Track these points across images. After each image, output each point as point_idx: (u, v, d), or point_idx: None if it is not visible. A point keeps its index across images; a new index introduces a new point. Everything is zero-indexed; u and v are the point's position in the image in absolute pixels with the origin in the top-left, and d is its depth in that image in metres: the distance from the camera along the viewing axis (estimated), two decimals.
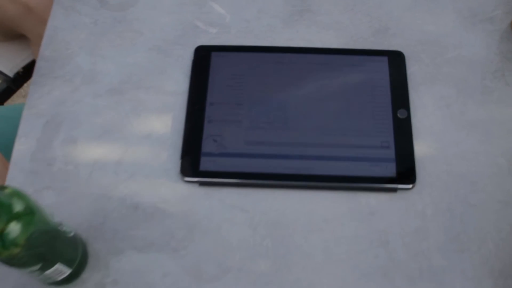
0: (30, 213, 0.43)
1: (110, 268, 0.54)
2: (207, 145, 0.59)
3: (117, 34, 0.68)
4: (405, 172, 0.56)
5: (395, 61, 0.63)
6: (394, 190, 0.56)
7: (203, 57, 0.64)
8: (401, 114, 0.60)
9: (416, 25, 0.67)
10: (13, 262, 0.44)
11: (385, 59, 0.63)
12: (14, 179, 0.59)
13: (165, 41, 0.67)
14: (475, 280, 0.52)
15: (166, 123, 0.62)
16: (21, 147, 0.61)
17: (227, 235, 0.55)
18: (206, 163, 0.58)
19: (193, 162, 0.58)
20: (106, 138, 0.61)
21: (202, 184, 0.58)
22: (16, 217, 0.42)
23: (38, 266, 0.46)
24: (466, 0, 0.68)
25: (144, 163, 0.59)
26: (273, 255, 0.54)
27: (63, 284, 0.53)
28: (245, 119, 0.60)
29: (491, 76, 0.63)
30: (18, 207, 0.42)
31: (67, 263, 0.50)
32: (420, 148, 0.59)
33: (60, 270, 0.50)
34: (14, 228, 0.42)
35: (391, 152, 0.57)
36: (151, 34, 0.68)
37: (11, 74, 1.01)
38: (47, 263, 0.47)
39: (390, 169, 0.57)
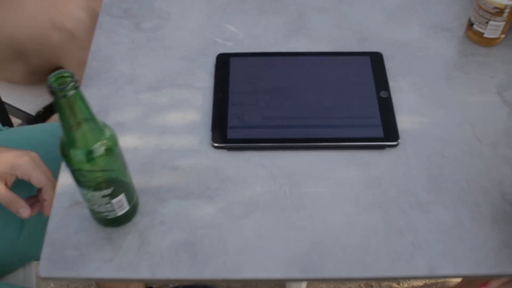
0: (113, 144, 0.57)
1: (157, 213, 0.66)
2: (232, 121, 0.73)
3: (151, 48, 0.85)
4: (390, 134, 0.71)
5: (376, 58, 0.80)
6: (383, 147, 0.71)
7: (224, 61, 0.81)
8: (383, 94, 0.76)
9: (390, 36, 0.85)
10: (92, 178, 0.56)
11: (368, 58, 0.80)
12: None
13: (191, 52, 0.84)
14: (453, 209, 0.65)
15: (196, 109, 0.76)
16: None
17: (252, 185, 0.68)
18: (232, 133, 0.72)
19: (221, 133, 0.72)
20: (148, 121, 0.75)
21: (229, 149, 0.71)
22: (104, 140, 0.55)
23: (109, 191, 0.59)
24: (429, 16, 0.87)
25: (180, 136, 0.73)
26: (290, 197, 0.67)
27: (119, 224, 0.65)
28: (261, 102, 0.75)
29: (452, 68, 0.80)
30: (107, 134, 0.56)
31: (128, 198, 0.62)
32: (401, 118, 0.74)
33: (122, 203, 0.62)
34: (100, 149, 0.55)
35: (377, 120, 0.72)
36: (179, 48, 0.85)
37: (32, 113, 1.16)
38: (116, 190, 0.60)
39: (378, 132, 0.71)
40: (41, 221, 0.76)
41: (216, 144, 0.71)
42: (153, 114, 0.76)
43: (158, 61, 0.83)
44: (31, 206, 0.72)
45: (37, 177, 0.70)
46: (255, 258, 0.62)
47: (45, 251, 0.64)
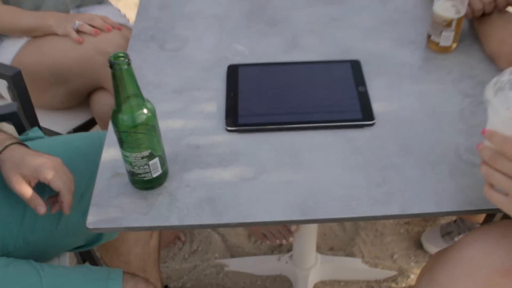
0: (152, 115, 0.75)
1: (183, 178, 0.83)
2: (242, 110, 0.92)
3: (174, 63, 1.04)
4: (367, 115, 0.90)
5: (355, 64, 1.00)
6: (362, 126, 0.89)
7: (234, 70, 1.00)
8: (361, 89, 0.95)
9: (366, 48, 1.05)
10: (134, 139, 0.74)
11: (348, 63, 1.00)
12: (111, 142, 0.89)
13: (206, 65, 1.04)
14: (419, 168, 0.82)
15: (212, 103, 0.95)
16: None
17: (259, 157, 0.86)
18: (241, 119, 0.90)
19: (233, 119, 0.90)
20: (173, 113, 0.94)
21: (240, 131, 0.89)
22: (145, 109, 0.73)
23: (147, 153, 0.76)
24: (397, 33, 1.08)
25: (200, 123, 0.91)
26: (290, 165, 0.84)
27: (153, 186, 0.81)
28: (264, 96, 0.94)
29: (417, 69, 1.00)
30: (148, 106, 0.74)
31: (161, 163, 0.80)
32: (376, 105, 0.92)
33: (157, 166, 0.79)
34: (142, 115, 0.73)
35: (357, 106, 0.91)
36: (197, 62, 1.04)
37: (64, 133, 1.34)
38: (152, 154, 0.77)
39: (358, 115, 0.90)
40: (78, 213, 0.91)
41: (229, 128, 0.89)
42: (178, 110, 0.95)
43: (179, 72, 1.02)
44: (52, 204, 0.86)
45: (55, 183, 0.82)
46: (263, 207, 0.79)
47: (92, 209, 0.79)
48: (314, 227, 1.31)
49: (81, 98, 1.30)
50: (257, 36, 1.11)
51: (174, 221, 0.78)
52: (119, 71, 0.68)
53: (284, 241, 1.39)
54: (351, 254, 1.56)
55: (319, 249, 1.50)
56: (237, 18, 1.16)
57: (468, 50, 1.03)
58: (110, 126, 0.90)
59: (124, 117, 0.73)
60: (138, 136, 0.75)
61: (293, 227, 1.38)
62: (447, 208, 0.77)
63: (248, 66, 1.01)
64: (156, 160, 0.79)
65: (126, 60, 0.68)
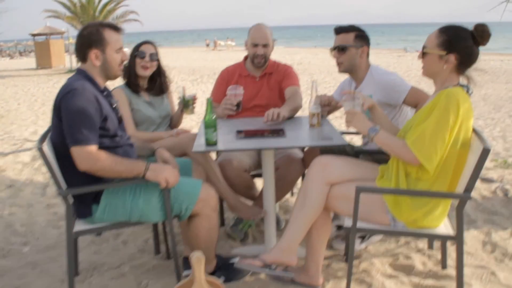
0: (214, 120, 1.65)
1: None
2: None
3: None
4: None
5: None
6: None
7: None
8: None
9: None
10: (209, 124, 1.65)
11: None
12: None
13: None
14: None
15: None
16: None
17: None
18: None
19: None
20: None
21: None
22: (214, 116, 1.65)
23: (214, 129, 1.67)
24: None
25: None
26: None
27: (214, 144, 1.75)
28: None
29: None
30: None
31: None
32: None
33: (216, 136, 1.72)
34: (212, 118, 1.65)
35: None
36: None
37: None
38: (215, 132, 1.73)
39: None
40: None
41: None
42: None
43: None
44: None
45: (171, 183, 1.80)
46: None
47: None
48: None
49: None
50: None
51: None
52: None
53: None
54: None
55: None
56: None
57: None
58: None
59: (208, 117, 1.62)
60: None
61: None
62: None
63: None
64: (216, 133, 1.72)
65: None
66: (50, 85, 10.75)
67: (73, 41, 17.89)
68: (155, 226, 2.27)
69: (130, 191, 1.82)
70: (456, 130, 1.64)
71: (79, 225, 1.84)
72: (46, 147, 1.73)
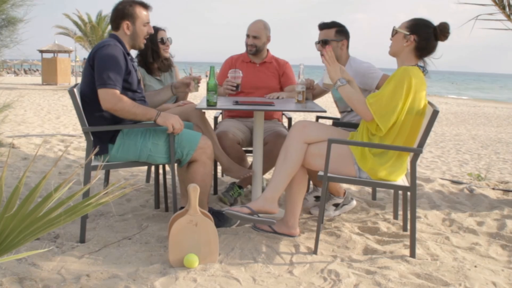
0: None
1: None
2: None
3: None
4: None
5: None
6: None
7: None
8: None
9: None
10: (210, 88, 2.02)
11: None
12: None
13: None
14: None
15: None
16: None
17: None
18: None
19: None
20: None
21: None
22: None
23: (214, 92, 2.03)
24: None
25: None
26: None
27: (214, 105, 2.10)
28: None
29: None
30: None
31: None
32: None
33: (216, 98, 2.04)
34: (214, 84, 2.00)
35: None
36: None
37: None
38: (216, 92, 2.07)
39: None
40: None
41: None
42: None
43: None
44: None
45: (177, 129, 2.17)
46: None
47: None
48: None
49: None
50: None
51: None
52: None
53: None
54: None
55: None
56: None
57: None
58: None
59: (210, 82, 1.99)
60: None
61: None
62: None
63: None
64: (216, 96, 2.07)
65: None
66: (56, 98, 11.17)
67: (80, 62, 18.43)
68: (156, 183, 2.61)
69: (141, 134, 2.19)
70: (410, 99, 2.01)
71: (95, 161, 2.18)
72: (75, 90, 2.10)
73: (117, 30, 2.22)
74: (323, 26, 2.62)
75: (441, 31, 2.06)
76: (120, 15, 2.19)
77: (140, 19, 2.20)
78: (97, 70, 2.07)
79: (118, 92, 2.07)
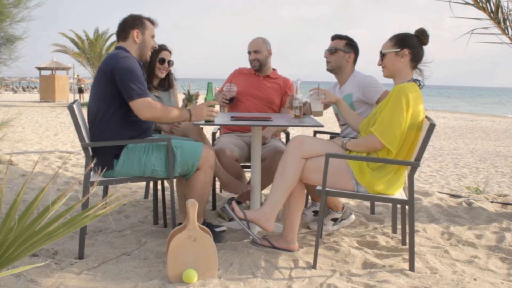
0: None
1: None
2: None
3: None
4: None
5: None
6: None
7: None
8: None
9: None
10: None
11: None
12: None
13: None
14: None
15: None
16: None
17: None
18: None
19: None
20: None
21: None
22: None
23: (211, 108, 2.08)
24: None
25: None
26: None
27: (212, 122, 2.11)
28: None
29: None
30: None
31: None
32: None
33: (215, 114, 2.07)
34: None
35: None
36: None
37: None
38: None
39: None
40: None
41: None
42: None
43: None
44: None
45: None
46: None
47: None
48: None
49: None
50: None
51: None
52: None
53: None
54: None
55: None
56: None
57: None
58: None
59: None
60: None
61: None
62: None
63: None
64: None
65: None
66: (54, 116, 11.21)
67: (78, 77, 18.49)
68: (155, 199, 2.60)
69: (144, 150, 2.21)
70: (410, 114, 2.02)
71: (93, 177, 2.17)
72: (74, 106, 2.10)
73: (125, 40, 2.26)
74: (335, 37, 2.67)
75: (423, 36, 2.14)
76: (130, 25, 2.25)
77: (149, 30, 2.28)
78: (125, 82, 2.10)
79: (150, 99, 2.13)
